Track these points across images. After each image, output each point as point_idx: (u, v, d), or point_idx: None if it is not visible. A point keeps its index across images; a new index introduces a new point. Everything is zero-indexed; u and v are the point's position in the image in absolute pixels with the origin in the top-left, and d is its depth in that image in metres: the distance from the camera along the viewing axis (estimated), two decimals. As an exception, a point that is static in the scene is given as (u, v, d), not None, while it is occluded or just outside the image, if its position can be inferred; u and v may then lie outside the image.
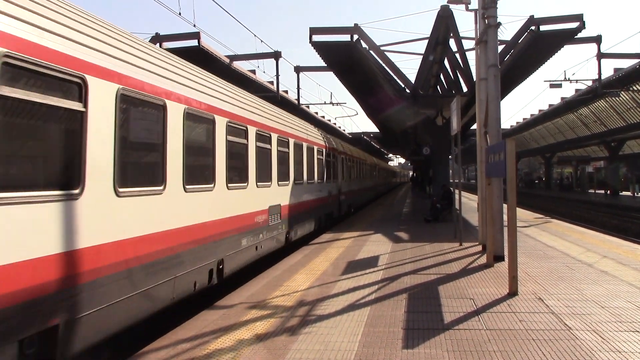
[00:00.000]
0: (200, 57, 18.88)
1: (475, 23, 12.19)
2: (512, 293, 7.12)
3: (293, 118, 14.53)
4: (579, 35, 20.08)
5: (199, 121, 7.65)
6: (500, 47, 17.77)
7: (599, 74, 26.34)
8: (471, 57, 30.17)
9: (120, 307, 5.42)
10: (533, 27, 19.01)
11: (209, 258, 7.66)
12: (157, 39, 19.48)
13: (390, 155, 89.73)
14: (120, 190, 5.47)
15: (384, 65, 21.14)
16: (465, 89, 21.13)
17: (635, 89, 32.27)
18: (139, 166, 6.26)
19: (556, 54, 21.97)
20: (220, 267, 8.12)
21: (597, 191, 49.13)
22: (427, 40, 20.68)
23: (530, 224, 16.84)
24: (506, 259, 8.44)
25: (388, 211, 23.84)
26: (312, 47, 20.00)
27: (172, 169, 6.66)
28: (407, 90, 22.01)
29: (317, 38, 19.72)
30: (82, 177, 4.92)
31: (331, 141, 19.42)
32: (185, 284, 6.92)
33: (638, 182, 43.38)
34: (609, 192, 45.18)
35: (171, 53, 7.60)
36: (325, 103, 34.01)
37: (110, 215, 5.31)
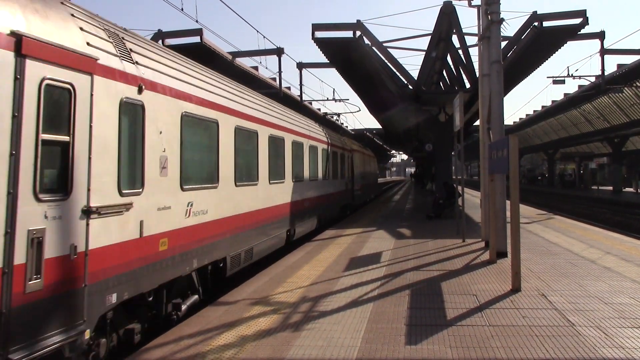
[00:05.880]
0: (202, 53, 18.85)
1: (478, 19, 12.13)
2: (515, 289, 7.13)
3: (327, 131, 18.57)
4: (582, 31, 19.97)
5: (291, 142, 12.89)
6: (503, 43, 17.72)
7: (602, 70, 26.25)
8: (474, 53, 30.07)
9: (270, 240, 10.57)
10: (536, 23, 18.93)
11: (286, 227, 11.98)
12: (160, 35, 19.40)
13: (393, 151, 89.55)
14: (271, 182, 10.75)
15: (386, 61, 21.05)
16: (468, 85, 20.99)
17: (639, 85, 32.12)
18: (275, 169, 11.07)
19: (559, 50, 21.88)
20: (289, 233, 12.24)
21: (600, 187, 48.92)
22: (429, 37, 20.58)
23: (533, 221, 16.82)
24: (509, 255, 8.46)
25: (390, 208, 23.84)
26: (315, 44, 19.94)
27: (288, 171, 12.10)
28: (410, 87, 21.92)
29: (319, 34, 19.64)
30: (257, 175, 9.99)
31: (348, 143, 22.78)
32: (281, 238, 11.58)
33: None
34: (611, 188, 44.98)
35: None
36: (327, 99, 33.52)
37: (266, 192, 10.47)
